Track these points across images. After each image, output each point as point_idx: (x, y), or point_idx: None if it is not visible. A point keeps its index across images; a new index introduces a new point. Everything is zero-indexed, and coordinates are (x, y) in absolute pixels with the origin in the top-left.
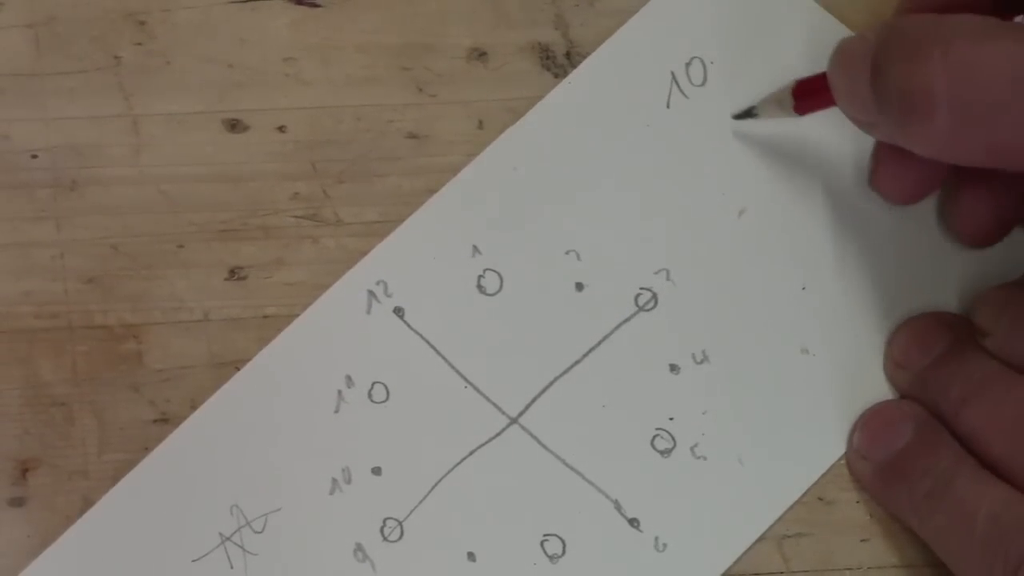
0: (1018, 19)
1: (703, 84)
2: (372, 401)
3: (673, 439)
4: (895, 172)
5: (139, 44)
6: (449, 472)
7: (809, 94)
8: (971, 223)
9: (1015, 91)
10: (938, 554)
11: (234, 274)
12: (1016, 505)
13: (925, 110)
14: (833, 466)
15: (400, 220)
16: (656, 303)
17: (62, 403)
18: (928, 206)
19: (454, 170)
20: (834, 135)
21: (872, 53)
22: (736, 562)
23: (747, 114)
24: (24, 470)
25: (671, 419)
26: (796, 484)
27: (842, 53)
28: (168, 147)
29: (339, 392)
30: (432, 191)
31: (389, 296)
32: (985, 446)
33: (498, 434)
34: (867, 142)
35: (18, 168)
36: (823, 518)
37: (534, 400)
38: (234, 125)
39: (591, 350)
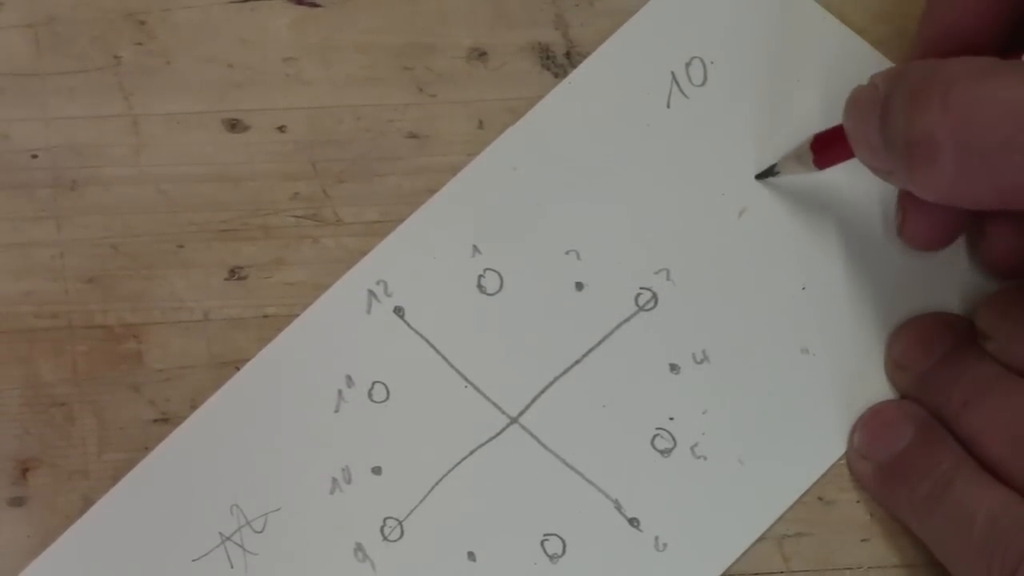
0: None
1: (703, 84)
2: (372, 401)
3: (673, 439)
4: (921, 221)
5: (139, 44)
6: (449, 472)
7: (827, 146)
8: (1000, 257)
9: (1018, 129)
10: (937, 555)
11: (234, 274)
12: (1014, 508)
13: (929, 157)
14: (833, 466)
15: (400, 220)
16: (656, 303)
17: (62, 403)
18: None
19: (454, 170)
20: None
21: (881, 101)
22: (736, 562)
23: (769, 172)
24: (24, 470)
25: (671, 419)
26: (796, 484)
27: (854, 102)
28: (168, 147)
29: (339, 392)
30: (432, 191)
31: (389, 296)
32: (985, 449)
33: (498, 434)
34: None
35: (18, 168)
36: (823, 518)
37: (534, 400)
38: (234, 125)
39: (591, 350)
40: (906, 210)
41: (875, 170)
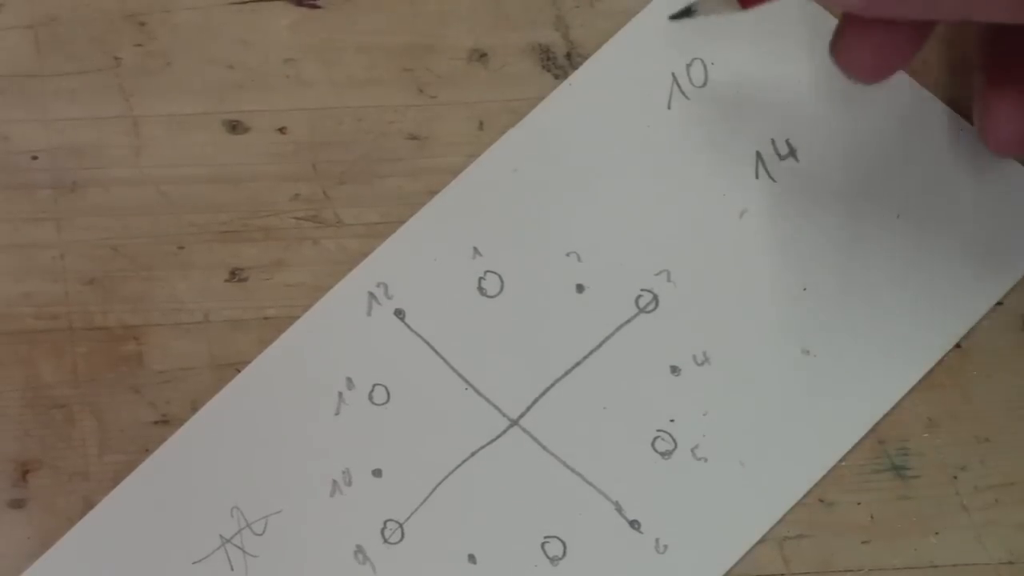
0: None
1: (704, 85)
2: (373, 403)
3: (674, 440)
4: (859, 45)
5: (139, 45)
6: (450, 474)
7: None
8: (1005, 138)
9: None
10: None
11: (235, 275)
12: None
13: None
14: (834, 468)
15: (401, 221)
16: (657, 304)
17: (62, 404)
18: (925, 211)
19: (455, 171)
20: (836, 135)
21: None
22: (737, 564)
23: (685, 13)
24: (24, 472)
25: (672, 421)
26: (797, 485)
27: None
28: (168, 148)
29: (340, 394)
30: (433, 192)
31: (390, 298)
32: None
33: (499, 436)
34: (868, 139)
35: (18, 169)
36: (824, 520)
37: (535, 402)
38: (235, 126)
39: (592, 352)
40: (840, 33)
41: None
